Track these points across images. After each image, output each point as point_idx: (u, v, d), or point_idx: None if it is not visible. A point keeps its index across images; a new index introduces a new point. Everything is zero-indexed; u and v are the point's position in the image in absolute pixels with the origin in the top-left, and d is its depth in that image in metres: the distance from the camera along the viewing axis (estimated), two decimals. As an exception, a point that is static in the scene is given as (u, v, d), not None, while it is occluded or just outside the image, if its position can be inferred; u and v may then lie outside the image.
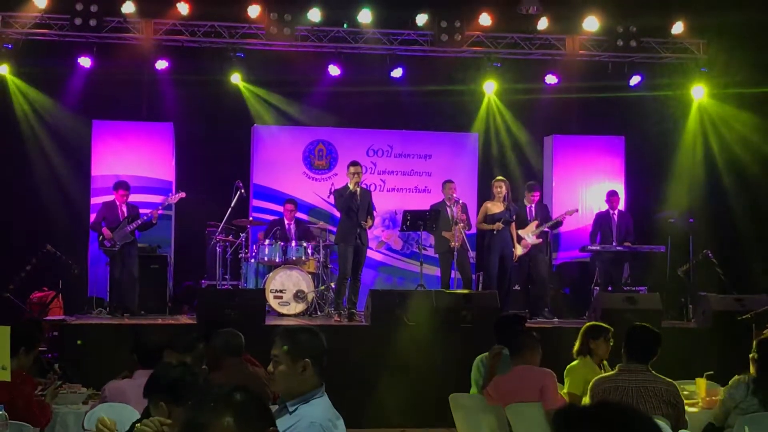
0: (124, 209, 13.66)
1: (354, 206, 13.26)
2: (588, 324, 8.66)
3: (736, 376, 7.11)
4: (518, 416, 7.47)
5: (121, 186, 13.76)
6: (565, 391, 7.94)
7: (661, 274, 14.61)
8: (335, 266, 14.12)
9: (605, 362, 8.21)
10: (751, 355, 7.13)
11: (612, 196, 14.98)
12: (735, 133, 15.18)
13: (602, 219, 14.93)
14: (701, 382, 8.01)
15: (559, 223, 14.99)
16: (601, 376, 7.20)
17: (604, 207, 15.22)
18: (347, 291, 13.39)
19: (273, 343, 4.67)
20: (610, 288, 14.25)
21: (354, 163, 13.68)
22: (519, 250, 14.07)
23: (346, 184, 13.53)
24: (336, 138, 15.99)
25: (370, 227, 13.46)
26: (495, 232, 13.77)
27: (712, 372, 8.25)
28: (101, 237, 13.50)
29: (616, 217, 14.82)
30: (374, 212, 13.83)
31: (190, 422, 2.91)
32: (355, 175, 13.43)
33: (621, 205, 15.15)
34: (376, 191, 15.61)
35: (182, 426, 2.95)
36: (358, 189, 13.41)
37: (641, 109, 15.75)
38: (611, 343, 8.23)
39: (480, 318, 11.66)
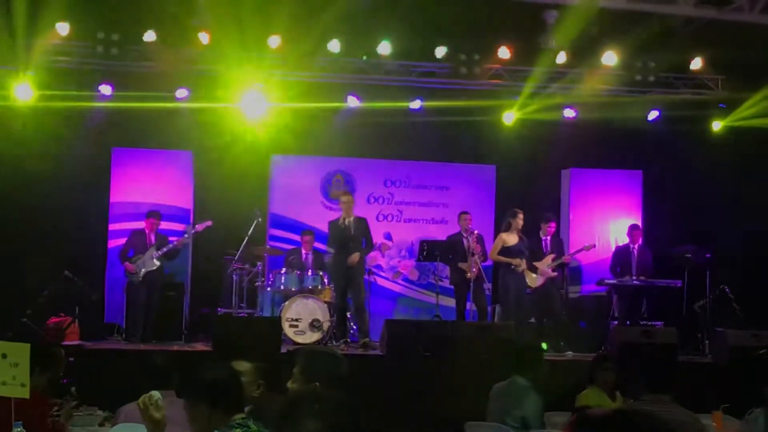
0: (153, 237, 13.80)
1: (346, 239, 13.32)
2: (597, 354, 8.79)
3: (755, 409, 7.06)
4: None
5: (153, 215, 13.94)
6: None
7: (677, 309, 14.51)
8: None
9: (618, 393, 8.28)
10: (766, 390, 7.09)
11: (634, 230, 14.98)
12: (752, 169, 15.15)
13: (622, 253, 14.93)
14: (717, 416, 7.97)
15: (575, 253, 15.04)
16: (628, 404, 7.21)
17: (621, 241, 15.24)
18: (354, 323, 13.54)
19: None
20: (627, 322, 14.22)
21: (345, 193, 13.82)
22: (536, 282, 14.03)
23: (341, 216, 13.62)
24: (354, 168, 16.07)
25: (355, 262, 13.39)
26: (513, 267, 13.74)
27: (728, 405, 8.21)
28: (126, 269, 13.69)
29: (636, 251, 14.79)
30: (372, 240, 13.89)
31: None
32: (346, 205, 13.52)
33: (640, 240, 15.11)
34: (393, 221, 15.73)
35: None
36: (351, 219, 13.47)
37: (659, 144, 15.75)
38: (612, 372, 8.34)
39: (496, 349, 11.61)
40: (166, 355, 11.53)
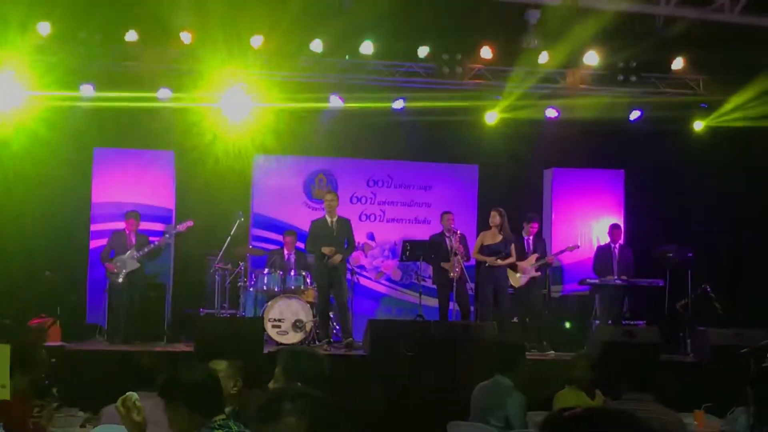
0: (133, 238, 13.76)
1: (330, 239, 13.29)
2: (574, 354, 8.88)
3: (737, 408, 7.08)
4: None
5: (132, 215, 13.90)
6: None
7: (659, 308, 14.55)
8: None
9: (598, 391, 8.33)
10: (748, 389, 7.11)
11: (614, 229, 15.02)
12: (733, 168, 15.20)
13: (603, 252, 14.96)
14: (699, 414, 8.00)
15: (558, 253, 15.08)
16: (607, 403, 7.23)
17: (603, 240, 15.28)
18: (338, 322, 13.54)
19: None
20: (609, 321, 14.24)
21: (329, 191, 13.84)
22: (519, 281, 14.04)
23: (324, 215, 13.61)
24: (337, 168, 16.07)
25: (338, 262, 13.35)
26: (487, 265, 13.74)
27: (710, 404, 8.24)
28: (107, 270, 13.63)
29: (617, 250, 14.84)
30: (355, 242, 13.88)
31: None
32: (330, 204, 13.49)
33: (621, 239, 15.16)
34: (375, 221, 15.74)
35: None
36: (335, 219, 13.46)
37: (641, 144, 15.79)
38: (589, 371, 8.39)
39: (478, 349, 11.63)
40: (151, 355, 11.51)
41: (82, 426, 7.35)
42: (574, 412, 2.35)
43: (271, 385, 4.71)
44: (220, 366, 5.55)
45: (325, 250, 13.22)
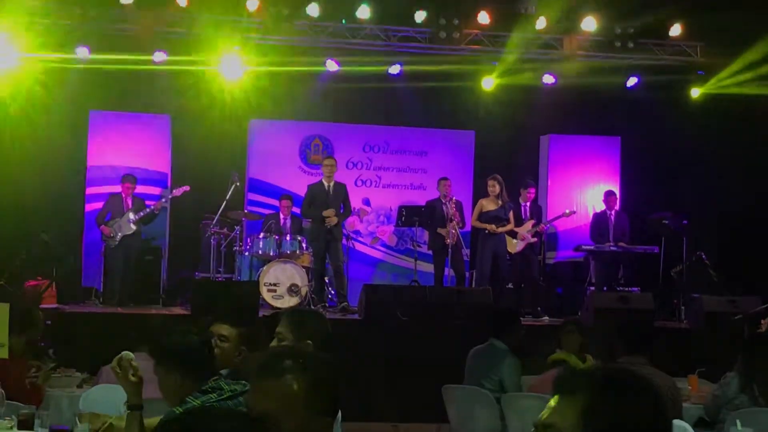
0: (129, 201, 13.78)
1: (326, 204, 13.33)
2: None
3: (729, 373, 7.13)
4: (512, 407, 7.53)
5: (128, 178, 13.92)
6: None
7: (654, 275, 14.61)
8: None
9: (588, 356, 8.40)
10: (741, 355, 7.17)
11: (609, 196, 15.05)
12: (730, 136, 15.20)
13: (600, 219, 14.99)
14: (693, 379, 8.06)
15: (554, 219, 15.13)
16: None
17: (599, 207, 15.30)
18: (333, 287, 13.59)
19: (280, 321, 4.73)
20: (604, 288, 14.30)
21: (328, 157, 13.87)
22: (515, 247, 14.06)
23: (321, 180, 13.64)
24: (333, 133, 16.03)
25: (334, 224, 13.40)
26: (487, 232, 13.77)
27: (703, 369, 8.30)
28: (103, 233, 13.66)
29: (613, 217, 14.87)
30: (351, 207, 13.95)
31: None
32: (328, 169, 13.53)
33: (617, 206, 15.18)
34: (371, 187, 15.74)
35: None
36: (331, 184, 13.49)
37: (638, 110, 15.76)
38: (577, 335, 8.45)
39: (473, 314, 11.68)
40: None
41: (80, 386, 7.39)
42: (589, 367, 2.39)
43: (274, 344, 4.72)
44: (228, 332, 5.42)
45: (326, 212, 13.28)
